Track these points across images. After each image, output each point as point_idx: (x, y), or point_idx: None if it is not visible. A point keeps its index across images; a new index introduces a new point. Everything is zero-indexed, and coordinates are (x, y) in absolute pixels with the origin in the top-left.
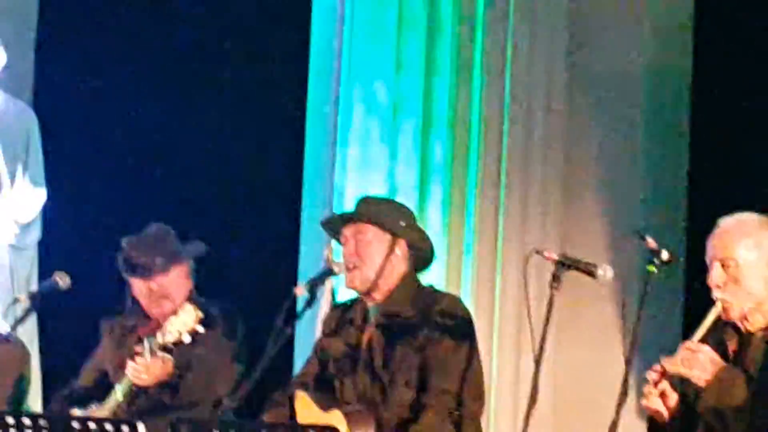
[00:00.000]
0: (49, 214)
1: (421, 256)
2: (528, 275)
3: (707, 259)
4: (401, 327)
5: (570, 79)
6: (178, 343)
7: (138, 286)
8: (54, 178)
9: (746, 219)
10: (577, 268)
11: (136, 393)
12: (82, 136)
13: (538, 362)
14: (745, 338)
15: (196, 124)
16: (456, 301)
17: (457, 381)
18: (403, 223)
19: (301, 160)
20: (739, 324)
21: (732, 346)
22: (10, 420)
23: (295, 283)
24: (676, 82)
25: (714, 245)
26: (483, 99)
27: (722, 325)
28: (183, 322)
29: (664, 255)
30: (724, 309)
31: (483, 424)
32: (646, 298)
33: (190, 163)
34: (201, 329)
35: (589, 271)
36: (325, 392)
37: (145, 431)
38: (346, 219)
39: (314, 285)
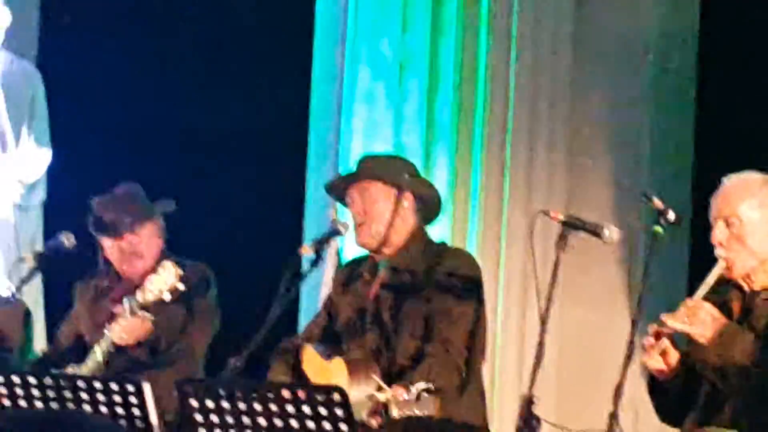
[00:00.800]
0: (54, 174)
1: (429, 207)
2: (534, 236)
3: (711, 218)
4: (410, 281)
5: (576, 39)
6: (158, 302)
7: (108, 246)
8: (59, 139)
9: (750, 178)
10: (584, 229)
11: (114, 353)
12: (87, 96)
13: (544, 322)
14: (749, 298)
15: (200, 86)
16: (466, 258)
17: (462, 334)
18: (406, 175)
19: (307, 122)
20: (742, 283)
21: (736, 305)
22: (16, 379)
23: (300, 244)
24: (683, 41)
25: (718, 204)
26: (489, 59)
27: (726, 284)
28: (163, 280)
29: (671, 216)
30: (727, 267)
31: (487, 382)
32: (652, 259)
33: (195, 124)
34: (182, 287)
35: (596, 232)
36: (332, 346)
37: (150, 391)
38: (350, 179)
39: (320, 245)
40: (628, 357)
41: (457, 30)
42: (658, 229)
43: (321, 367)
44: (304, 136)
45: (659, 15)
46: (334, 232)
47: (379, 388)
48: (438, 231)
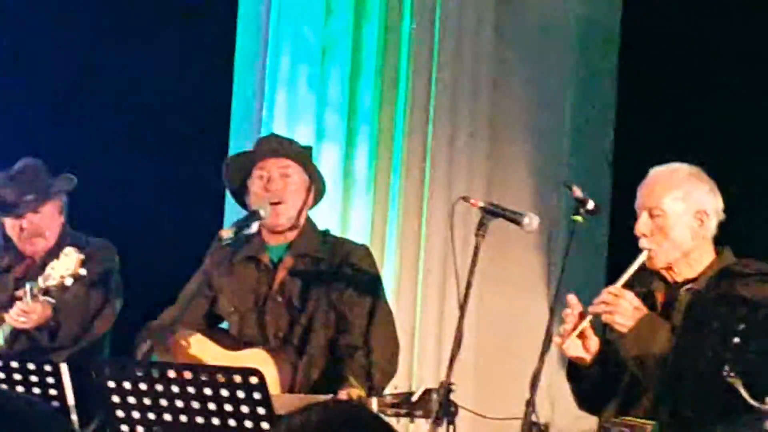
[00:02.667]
0: None
1: (318, 193)
2: (454, 222)
3: (636, 208)
4: (314, 269)
5: (498, 27)
6: (60, 287)
7: (9, 225)
8: None
9: (676, 169)
10: (503, 216)
11: (15, 335)
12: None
13: (462, 309)
14: (672, 289)
15: (123, 64)
16: (366, 251)
17: (363, 328)
18: (313, 164)
19: (229, 105)
20: (665, 274)
21: (660, 297)
22: None
23: (220, 227)
24: (605, 32)
25: (643, 194)
26: (412, 45)
27: (650, 275)
28: (65, 266)
29: (590, 205)
30: (650, 258)
31: (406, 369)
32: (570, 248)
33: (117, 101)
34: (84, 272)
35: (515, 220)
36: (216, 330)
37: (68, 372)
38: (270, 153)
39: (240, 228)
40: (546, 345)
41: (380, 15)
42: (578, 218)
43: (229, 359)
44: (227, 120)
45: (581, 2)
46: (254, 216)
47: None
48: (358, 215)
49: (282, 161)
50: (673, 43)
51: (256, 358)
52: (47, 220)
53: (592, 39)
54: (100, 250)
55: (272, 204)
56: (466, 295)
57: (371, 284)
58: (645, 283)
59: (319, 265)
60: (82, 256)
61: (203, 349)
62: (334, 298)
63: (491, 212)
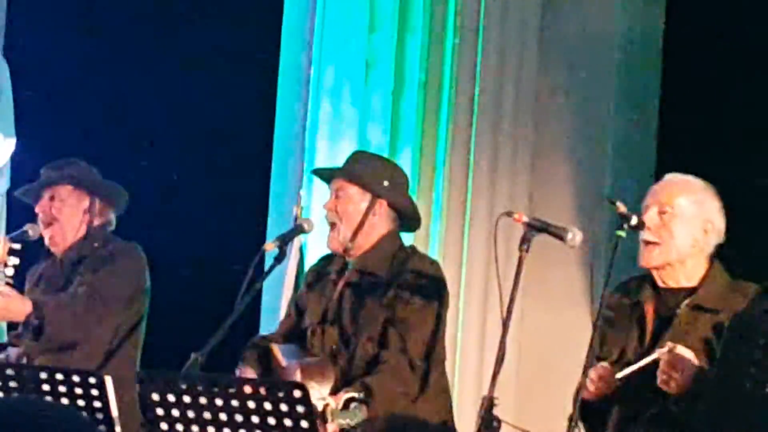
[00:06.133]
0: (18, 163)
1: (406, 218)
2: (497, 237)
3: (644, 204)
4: (373, 284)
5: (542, 42)
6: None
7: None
8: (24, 127)
9: (692, 179)
10: (547, 231)
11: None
12: (52, 85)
13: (505, 324)
14: (664, 298)
15: (167, 80)
16: (430, 262)
17: (421, 341)
18: (386, 183)
19: (273, 118)
20: (656, 276)
21: (650, 308)
22: None
23: (263, 240)
24: (648, 47)
25: (656, 191)
26: (455, 60)
27: (638, 282)
28: None
29: (633, 220)
30: (648, 253)
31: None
32: (613, 263)
33: (160, 116)
34: (13, 261)
35: (559, 235)
36: (299, 343)
37: (112, 384)
38: (333, 173)
39: (284, 241)
40: (589, 360)
41: (423, 30)
42: (621, 233)
43: (280, 369)
44: (270, 133)
45: (625, 19)
46: (298, 229)
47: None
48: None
49: (340, 181)
50: (717, 57)
51: (290, 372)
52: (64, 209)
53: (636, 54)
54: (120, 253)
55: (330, 226)
56: (509, 311)
57: (427, 298)
58: (633, 292)
59: (377, 281)
60: (10, 245)
61: (275, 361)
62: (385, 312)
63: (535, 227)
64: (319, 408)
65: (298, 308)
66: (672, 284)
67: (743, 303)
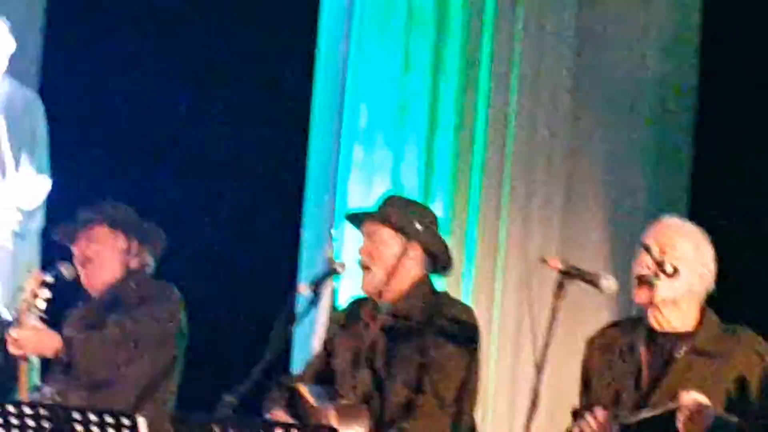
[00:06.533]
0: (52, 201)
1: (439, 261)
2: (530, 282)
3: (643, 241)
4: (407, 328)
5: (575, 86)
6: (27, 309)
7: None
8: (59, 166)
9: (690, 224)
10: (582, 278)
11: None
12: (87, 123)
13: (539, 369)
14: (657, 340)
15: (201, 117)
16: (465, 308)
17: (454, 386)
18: (419, 227)
19: (305, 160)
20: (652, 317)
21: (644, 351)
22: (11, 408)
23: (295, 282)
24: (682, 93)
25: (655, 231)
26: (489, 104)
27: (631, 323)
28: (28, 287)
29: (668, 268)
30: (645, 290)
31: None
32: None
33: (194, 156)
34: (45, 294)
35: (594, 282)
36: (328, 385)
37: (146, 425)
38: (365, 216)
39: (317, 284)
40: (619, 406)
41: (458, 73)
42: (656, 280)
43: (312, 410)
44: (302, 175)
45: (658, 62)
46: (332, 272)
47: None
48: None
49: (373, 224)
50: (750, 105)
51: (323, 414)
52: (101, 249)
53: (669, 98)
54: (155, 294)
55: (363, 269)
56: (543, 356)
57: (460, 343)
58: (627, 333)
59: (410, 326)
60: (43, 277)
61: (303, 401)
62: (419, 357)
63: (570, 274)
64: None
65: (327, 350)
66: (666, 327)
67: (739, 347)
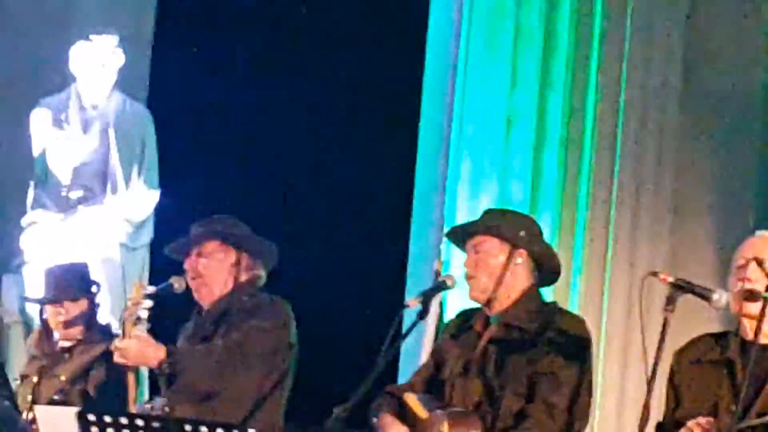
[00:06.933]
0: (161, 214)
1: (546, 268)
2: (640, 297)
3: (741, 260)
4: (518, 338)
5: (684, 99)
6: (131, 319)
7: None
8: (167, 178)
9: None
10: (693, 292)
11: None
12: (196, 136)
13: (650, 385)
14: (755, 354)
15: (310, 131)
16: (578, 320)
17: (566, 397)
18: (522, 233)
19: (413, 172)
20: (749, 328)
21: (739, 362)
22: (123, 420)
23: (403, 296)
24: None
25: (754, 244)
26: (596, 117)
27: (722, 339)
28: (134, 298)
29: None
30: (749, 301)
31: None
32: (762, 325)
33: (302, 169)
34: (147, 303)
35: (704, 296)
36: (435, 394)
37: None
38: (467, 232)
39: (427, 298)
40: (733, 423)
41: (565, 86)
42: (767, 294)
43: (422, 418)
44: (410, 188)
45: (766, 71)
46: (441, 285)
47: None
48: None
49: (477, 238)
50: None
51: (435, 420)
52: (211, 264)
53: None
54: (264, 307)
55: (467, 279)
56: (654, 372)
57: (573, 354)
58: (718, 346)
59: (522, 336)
60: (145, 288)
61: (412, 410)
62: (531, 367)
63: (681, 288)
64: None
65: (436, 359)
66: (762, 340)
67: None
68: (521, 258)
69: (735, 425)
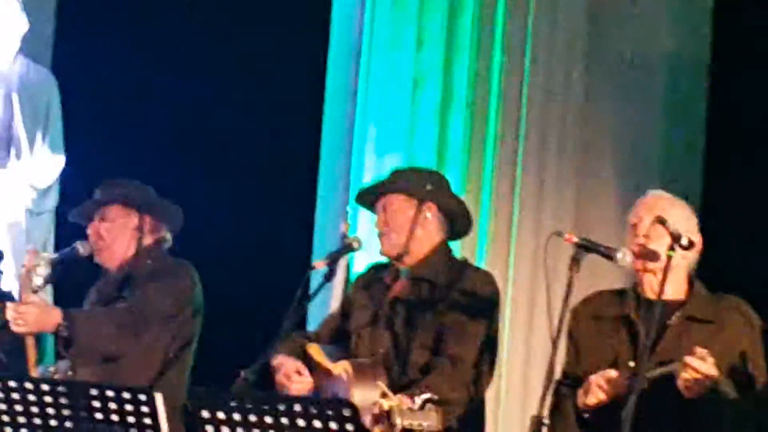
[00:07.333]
0: (66, 179)
1: (455, 220)
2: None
3: (634, 219)
4: (427, 292)
5: (588, 62)
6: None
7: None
8: (72, 143)
9: (677, 197)
10: (597, 251)
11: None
12: (100, 101)
13: (555, 343)
14: (651, 310)
15: (215, 93)
16: (487, 276)
17: (473, 351)
18: (429, 187)
19: (319, 136)
20: (647, 285)
21: (637, 317)
22: (29, 385)
23: (309, 258)
24: (695, 67)
25: (648, 204)
26: (502, 79)
27: (620, 296)
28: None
29: (683, 241)
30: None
31: (492, 404)
32: (665, 283)
33: (208, 132)
34: (43, 271)
35: (608, 255)
36: (341, 345)
37: (163, 401)
38: (375, 193)
39: (334, 260)
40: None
41: (470, 48)
42: (672, 252)
43: (325, 368)
44: (316, 151)
45: (671, 36)
46: (347, 247)
47: (384, 395)
48: None
49: (385, 198)
50: (763, 78)
51: (339, 370)
52: (114, 227)
53: (681, 70)
54: (168, 270)
55: (379, 237)
56: (559, 330)
57: (481, 309)
58: (616, 302)
59: (431, 290)
60: (39, 254)
61: (316, 360)
62: (439, 320)
63: (585, 247)
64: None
65: (344, 310)
66: (651, 296)
67: (729, 314)
68: (430, 212)
69: (642, 377)
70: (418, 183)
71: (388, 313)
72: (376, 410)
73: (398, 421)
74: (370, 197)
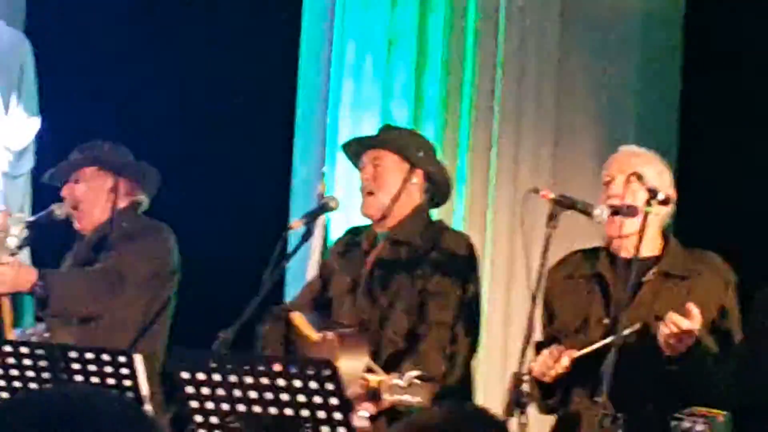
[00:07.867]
0: (42, 142)
1: (438, 189)
2: (520, 213)
3: (607, 177)
4: (406, 255)
5: (564, 17)
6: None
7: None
8: (48, 106)
9: (650, 151)
10: (574, 208)
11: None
12: (75, 63)
13: (534, 298)
14: (625, 268)
15: (188, 56)
16: (464, 238)
17: (455, 315)
18: (421, 154)
19: (294, 96)
20: (619, 245)
21: (611, 276)
22: (7, 348)
23: (287, 219)
24: (669, 27)
25: (620, 161)
26: (477, 37)
27: (593, 253)
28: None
29: (660, 196)
30: (614, 221)
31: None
32: (642, 238)
33: (184, 94)
34: (15, 231)
35: (586, 211)
36: (323, 313)
37: (142, 362)
38: (367, 144)
39: (311, 219)
40: (618, 338)
41: (445, 6)
42: (649, 208)
43: (311, 339)
44: (292, 110)
45: None
46: (325, 207)
47: (370, 370)
48: None
49: (376, 151)
50: (739, 38)
51: (326, 341)
52: (88, 190)
53: (656, 26)
54: (144, 232)
55: (364, 195)
56: (538, 285)
57: (460, 271)
58: (590, 260)
59: (411, 253)
60: (9, 215)
61: (300, 330)
62: (419, 284)
63: (562, 204)
64: (366, 384)
65: (323, 277)
66: (625, 255)
67: (705, 270)
68: (417, 178)
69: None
70: (412, 147)
71: (367, 278)
72: (363, 384)
73: (386, 396)
74: (360, 147)
